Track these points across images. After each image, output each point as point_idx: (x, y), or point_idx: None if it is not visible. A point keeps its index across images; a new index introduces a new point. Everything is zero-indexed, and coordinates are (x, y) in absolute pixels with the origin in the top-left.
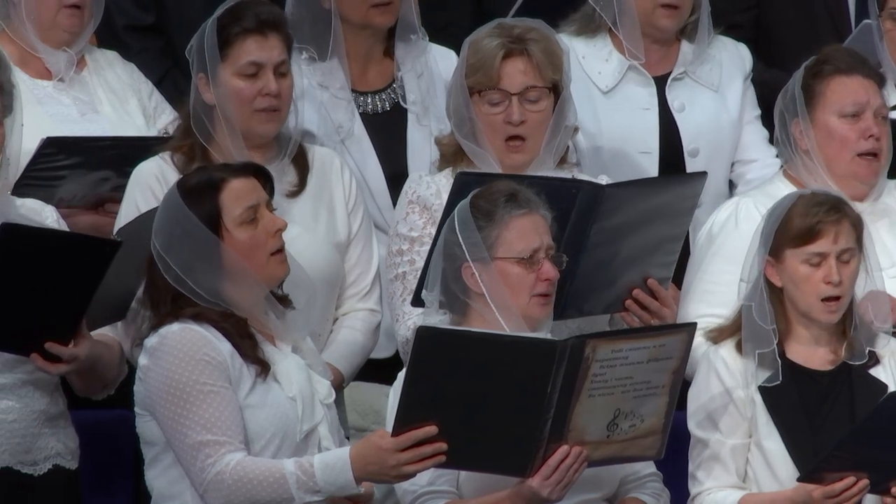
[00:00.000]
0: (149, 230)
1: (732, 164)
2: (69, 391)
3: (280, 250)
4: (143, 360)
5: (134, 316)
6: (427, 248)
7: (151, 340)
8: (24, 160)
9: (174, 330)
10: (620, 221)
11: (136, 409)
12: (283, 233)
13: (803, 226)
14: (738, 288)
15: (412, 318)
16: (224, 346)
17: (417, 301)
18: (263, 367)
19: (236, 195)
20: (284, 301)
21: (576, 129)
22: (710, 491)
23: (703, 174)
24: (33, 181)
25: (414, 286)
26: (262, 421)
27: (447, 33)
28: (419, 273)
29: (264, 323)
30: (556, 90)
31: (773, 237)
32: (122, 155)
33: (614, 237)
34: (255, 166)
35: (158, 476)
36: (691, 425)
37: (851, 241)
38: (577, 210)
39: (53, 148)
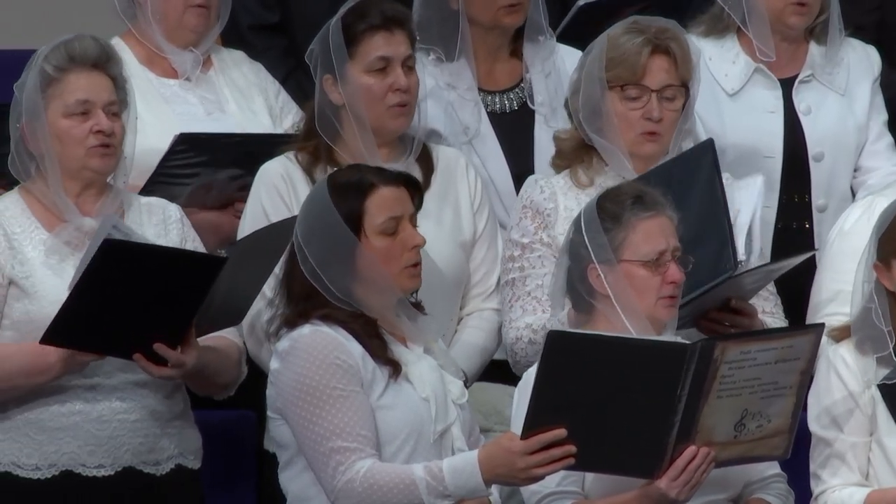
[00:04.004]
0: (270, 241)
1: (854, 170)
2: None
3: (416, 265)
4: (274, 364)
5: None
6: (538, 254)
7: (283, 344)
8: (156, 158)
9: (305, 333)
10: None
11: (269, 413)
12: (420, 249)
13: None
14: (861, 289)
15: (517, 324)
16: (355, 348)
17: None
18: (395, 368)
19: (382, 202)
20: (418, 307)
21: (688, 132)
22: (834, 489)
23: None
24: (165, 178)
25: (523, 292)
26: (395, 422)
27: None
28: (528, 279)
29: (395, 325)
30: (688, 90)
31: (878, 244)
32: (251, 152)
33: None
34: (406, 176)
35: (293, 479)
36: (812, 424)
37: None
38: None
39: (185, 145)
